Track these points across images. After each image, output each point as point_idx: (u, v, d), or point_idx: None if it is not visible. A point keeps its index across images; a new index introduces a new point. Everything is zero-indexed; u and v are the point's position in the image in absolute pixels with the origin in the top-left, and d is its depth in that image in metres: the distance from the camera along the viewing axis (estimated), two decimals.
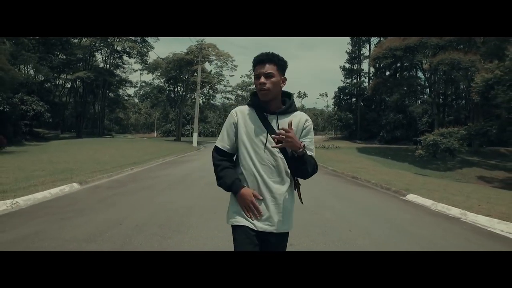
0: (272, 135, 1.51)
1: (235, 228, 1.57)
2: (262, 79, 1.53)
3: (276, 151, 1.55)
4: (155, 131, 64.99)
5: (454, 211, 5.70)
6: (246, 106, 1.66)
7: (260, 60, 1.55)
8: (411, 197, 7.13)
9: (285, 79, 1.61)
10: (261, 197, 1.53)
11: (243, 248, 1.52)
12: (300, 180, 1.67)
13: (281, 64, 1.57)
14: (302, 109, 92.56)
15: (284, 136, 1.41)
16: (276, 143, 1.50)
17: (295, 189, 1.67)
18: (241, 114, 1.62)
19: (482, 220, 5.09)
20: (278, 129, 1.51)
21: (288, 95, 1.67)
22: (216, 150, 1.65)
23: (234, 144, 1.63)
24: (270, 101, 1.58)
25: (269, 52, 1.58)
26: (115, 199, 5.78)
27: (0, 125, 22.40)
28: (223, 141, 1.64)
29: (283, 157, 1.57)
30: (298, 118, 1.60)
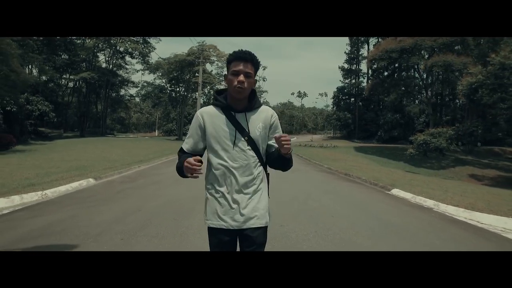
0: (276, 135, 1.51)
1: (210, 230, 1.61)
2: (242, 77, 1.52)
3: (246, 148, 1.58)
4: (156, 130, 65.83)
5: (429, 203, 6.45)
6: (212, 107, 1.65)
7: (243, 58, 1.54)
8: (395, 191, 7.88)
9: (256, 81, 1.65)
10: (200, 159, 1.50)
11: (216, 248, 1.60)
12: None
13: (258, 67, 1.59)
14: (302, 108, 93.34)
15: (287, 140, 1.48)
16: (248, 140, 1.59)
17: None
18: (208, 115, 1.62)
19: (450, 210, 5.85)
20: (248, 127, 1.58)
21: (253, 92, 1.67)
22: (180, 150, 1.70)
23: (198, 146, 1.66)
24: (239, 100, 1.58)
25: (249, 51, 1.57)
26: (130, 192, 6.54)
27: (8, 125, 23.21)
28: (188, 143, 1.67)
29: (254, 154, 1.60)
30: (265, 114, 1.64)
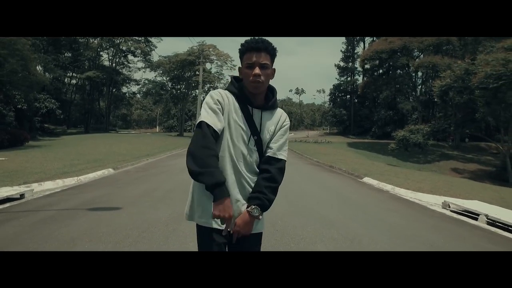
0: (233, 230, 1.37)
1: (202, 229, 1.43)
2: (257, 70, 1.38)
3: (253, 148, 1.47)
4: (157, 127, 67.31)
5: (388, 187, 7.97)
6: (228, 93, 1.48)
7: (256, 48, 1.39)
8: (365, 179, 9.39)
9: (274, 70, 1.49)
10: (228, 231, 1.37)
11: (208, 250, 1.41)
12: None
13: (274, 54, 1.45)
14: (300, 105, 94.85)
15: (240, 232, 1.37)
16: (257, 140, 1.47)
17: None
18: (227, 100, 1.45)
19: (401, 191, 7.37)
20: (260, 127, 1.47)
21: (272, 90, 1.55)
22: (205, 126, 1.35)
23: (219, 124, 1.39)
24: (257, 94, 1.46)
25: (264, 39, 1.42)
26: (145, 178, 8.04)
27: (19, 122, 24.66)
28: (213, 118, 1.38)
29: (258, 155, 1.49)
30: (279, 117, 1.53)
